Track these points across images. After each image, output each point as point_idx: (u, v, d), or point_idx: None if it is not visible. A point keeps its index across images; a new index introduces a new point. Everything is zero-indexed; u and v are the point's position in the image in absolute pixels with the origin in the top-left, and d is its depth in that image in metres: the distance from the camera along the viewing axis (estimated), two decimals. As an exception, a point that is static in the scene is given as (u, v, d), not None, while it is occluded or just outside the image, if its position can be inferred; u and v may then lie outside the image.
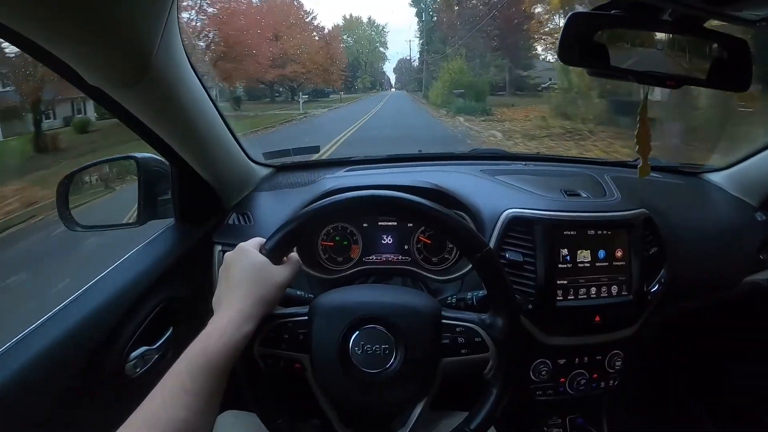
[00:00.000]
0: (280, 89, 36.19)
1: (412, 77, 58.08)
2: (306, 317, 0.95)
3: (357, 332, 0.92)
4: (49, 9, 0.69)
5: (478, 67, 30.06)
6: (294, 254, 1.00)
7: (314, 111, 26.84)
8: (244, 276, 0.89)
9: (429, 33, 43.02)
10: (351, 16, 58.31)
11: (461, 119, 19.65)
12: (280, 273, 0.93)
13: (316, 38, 38.83)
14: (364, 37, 59.59)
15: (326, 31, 40.84)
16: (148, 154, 1.37)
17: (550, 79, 27.03)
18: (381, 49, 63.00)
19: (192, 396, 0.73)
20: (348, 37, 56.97)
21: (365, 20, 60.34)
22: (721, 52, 0.86)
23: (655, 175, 1.82)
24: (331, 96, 40.79)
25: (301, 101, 27.90)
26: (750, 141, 1.75)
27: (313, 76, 36.92)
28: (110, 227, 1.42)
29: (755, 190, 1.71)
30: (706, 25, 0.86)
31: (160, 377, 0.75)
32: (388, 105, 35.64)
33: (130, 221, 1.39)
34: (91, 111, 14.94)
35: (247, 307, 0.85)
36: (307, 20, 37.27)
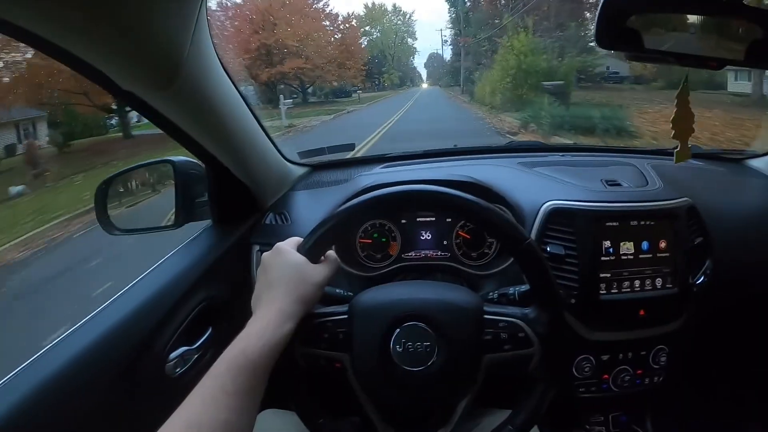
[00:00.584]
0: (298, 90, 31.52)
1: (446, 71, 52.91)
2: (345, 316, 0.94)
3: (398, 330, 0.91)
4: (80, 16, 0.70)
5: (555, 47, 19.52)
6: (332, 252, 0.99)
7: (310, 120, 20.28)
8: (283, 276, 0.89)
9: (465, 16, 37.38)
10: (373, 4, 51.76)
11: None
12: (319, 272, 0.93)
13: (329, 28, 32.89)
14: (389, 28, 53.40)
15: (341, 19, 34.28)
16: (183, 157, 1.39)
17: (608, 67, 21.85)
18: (409, 40, 56.88)
19: (233, 397, 0.73)
20: (370, 27, 50.86)
21: (390, 8, 54.40)
22: (762, 31, 0.84)
23: (696, 162, 1.78)
24: (353, 96, 36.82)
25: (282, 109, 19.37)
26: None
27: (324, 73, 30.63)
28: (148, 230, 1.43)
29: None
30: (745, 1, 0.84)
31: (199, 377, 0.76)
32: (417, 109, 27.53)
33: (168, 224, 1.41)
34: (43, 133, 13.33)
35: (287, 307, 0.85)
36: (317, 6, 31.10)
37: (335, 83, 34.13)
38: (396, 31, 54.44)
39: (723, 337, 1.77)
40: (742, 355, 1.94)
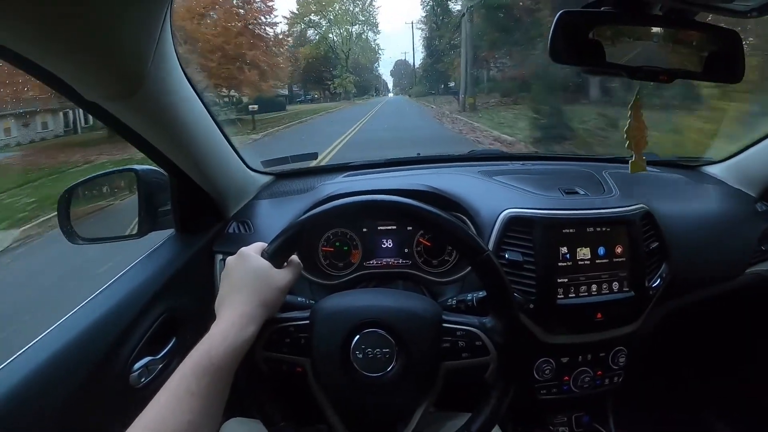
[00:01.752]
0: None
1: (419, 77, 42.80)
2: (307, 321, 0.95)
3: (358, 336, 0.92)
4: (43, 27, 0.70)
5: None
6: (295, 258, 1.01)
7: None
8: (246, 280, 0.90)
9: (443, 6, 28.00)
10: (321, -14, 35.96)
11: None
12: (282, 276, 0.94)
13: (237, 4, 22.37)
14: (341, 17, 40.59)
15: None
16: (147, 166, 1.38)
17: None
18: (370, 34, 44.31)
19: (197, 398, 0.74)
20: (318, 16, 38.40)
21: (344, -8, 39.53)
22: (713, 45, 0.87)
23: (653, 169, 1.82)
24: (296, 105, 26.84)
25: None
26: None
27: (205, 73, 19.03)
28: (111, 239, 1.42)
29: (755, 181, 1.71)
30: (696, 18, 0.87)
31: None
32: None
33: (132, 233, 1.40)
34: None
35: (250, 310, 0.86)
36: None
37: (242, 91, 23.42)
38: (352, 21, 42.41)
39: (680, 337, 1.82)
40: (699, 354, 2.00)
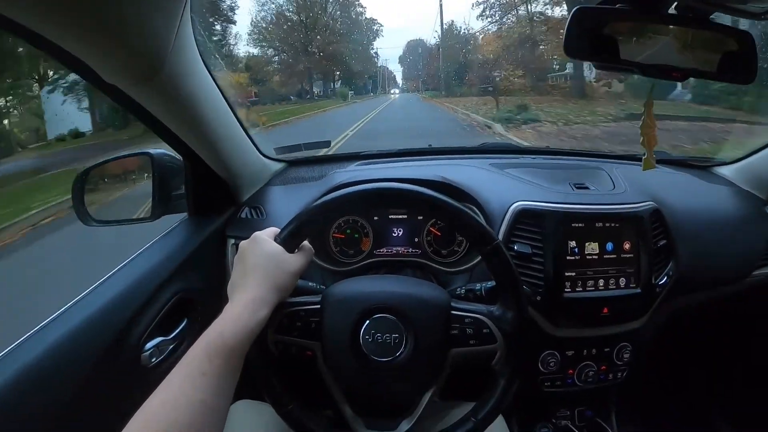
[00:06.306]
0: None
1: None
2: (318, 306, 0.97)
3: (368, 321, 0.94)
4: (65, 8, 0.71)
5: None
6: (307, 243, 1.02)
7: None
8: (259, 263, 0.91)
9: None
10: None
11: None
12: (294, 261, 0.95)
13: None
14: None
15: None
16: (162, 150, 1.40)
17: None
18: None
19: (209, 378, 0.75)
20: None
21: None
22: (727, 45, 0.88)
23: (664, 168, 1.82)
24: None
25: None
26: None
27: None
28: (124, 222, 1.44)
29: (765, 184, 1.71)
30: (711, 18, 0.88)
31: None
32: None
33: (145, 216, 1.42)
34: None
35: (262, 293, 0.87)
36: None
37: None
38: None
39: (685, 336, 1.82)
40: (703, 353, 2.00)
